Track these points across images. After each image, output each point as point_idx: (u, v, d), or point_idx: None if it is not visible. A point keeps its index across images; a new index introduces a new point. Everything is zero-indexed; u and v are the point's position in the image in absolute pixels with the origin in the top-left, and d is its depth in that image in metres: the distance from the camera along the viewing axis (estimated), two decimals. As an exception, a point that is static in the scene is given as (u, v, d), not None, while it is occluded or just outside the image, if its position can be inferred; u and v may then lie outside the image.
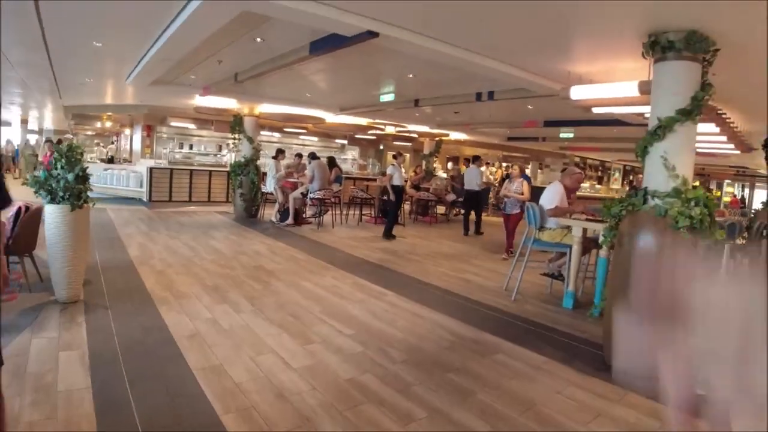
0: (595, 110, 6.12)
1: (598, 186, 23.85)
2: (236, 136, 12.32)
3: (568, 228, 6.09)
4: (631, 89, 5.15)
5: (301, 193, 11.32)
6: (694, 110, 3.97)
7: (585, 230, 5.87)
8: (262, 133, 17.34)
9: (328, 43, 5.26)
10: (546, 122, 11.27)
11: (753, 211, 9.60)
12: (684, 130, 4.02)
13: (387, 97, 9.03)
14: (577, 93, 5.68)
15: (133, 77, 8.83)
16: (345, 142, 19.23)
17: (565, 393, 3.65)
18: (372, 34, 4.48)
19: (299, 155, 12.66)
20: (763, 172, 19.59)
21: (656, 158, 4.07)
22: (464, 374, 3.84)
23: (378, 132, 15.06)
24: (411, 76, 7.31)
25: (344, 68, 7.61)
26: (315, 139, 19.42)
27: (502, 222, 9.39)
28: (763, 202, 9.67)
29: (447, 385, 3.65)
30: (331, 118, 13.05)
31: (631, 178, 26.74)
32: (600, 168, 24.29)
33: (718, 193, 30.37)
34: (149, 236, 8.72)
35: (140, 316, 4.61)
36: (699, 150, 10.86)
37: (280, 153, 12.12)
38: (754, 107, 6.90)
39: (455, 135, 16.13)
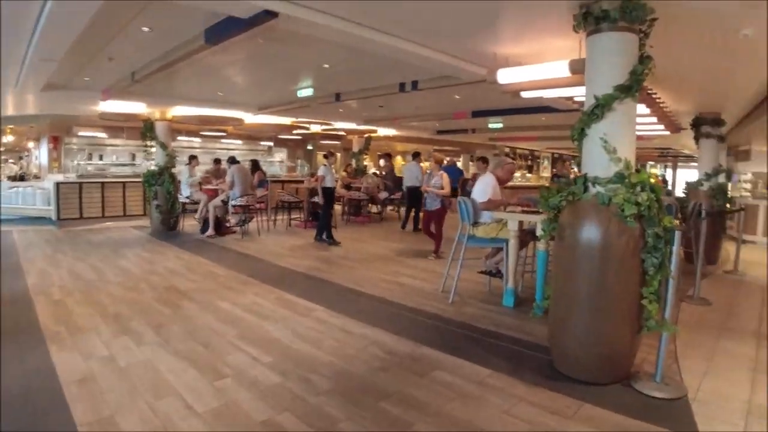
0: (525, 95, 5.74)
1: (528, 175, 24.12)
2: (148, 143, 11.29)
3: (504, 222, 5.72)
4: (561, 69, 4.79)
5: (222, 201, 10.51)
6: (634, 86, 3.60)
7: (521, 223, 5.50)
8: (180, 138, 16.32)
9: (224, 29, 4.58)
10: (474, 113, 10.97)
11: (684, 191, 9.66)
12: (623, 109, 3.64)
13: (305, 92, 8.39)
14: (505, 76, 5.28)
15: (21, 82, 7.79)
16: (271, 144, 18.35)
17: (514, 412, 3.21)
18: (270, 14, 3.87)
19: (217, 160, 11.82)
20: (686, 152, 20.33)
21: (595, 141, 3.68)
22: (399, 401, 3.32)
23: (303, 131, 14.37)
24: (326, 66, 6.69)
25: (256, 60, 6.93)
26: (239, 142, 18.47)
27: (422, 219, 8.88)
28: (688, 182, 9.76)
29: (380, 417, 3.13)
30: (251, 118, 12.26)
31: (558, 164, 27.32)
32: (530, 157, 24.57)
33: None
34: (53, 260, 7.75)
35: (26, 359, 3.91)
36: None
37: (192, 159, 11.25)
38: (685, 86, 6.76)
39: (384, 131, 15.67)
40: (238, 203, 10.21)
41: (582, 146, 3.84)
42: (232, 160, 10.60)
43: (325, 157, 10.04)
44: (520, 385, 3.59)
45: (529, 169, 24.63)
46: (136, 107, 10.52)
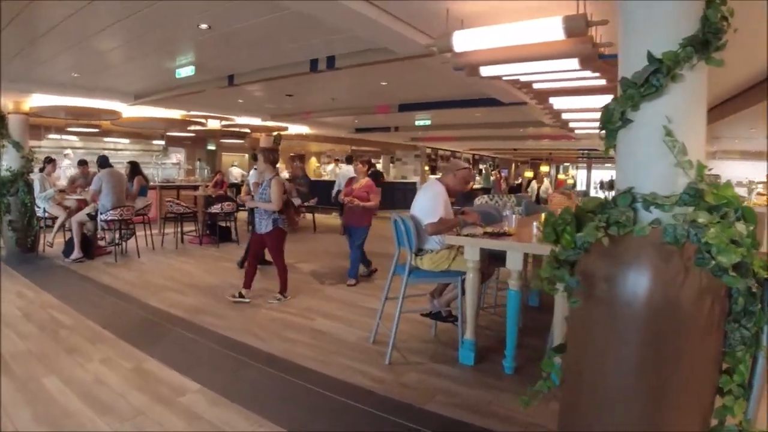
0: (485, 71, 4.13)
1: (450, 177, 22.95)
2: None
3: (457, 248, 4.13)
4: (551, 29, 3.24)
5: (88, 215, 8.25)
6: (711, 40, 2.07)
7: (483, 250, 3.92)
8: (51, 137, 13.59)
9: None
10: (401, 106, 9.36)
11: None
12: (694, 80, 2.11)
13: (185, 71, 6.35)
14: (464, 42, 3.65)
15: None
16: (162, 143, 15.77)
17: None
18: None
19: (83, 162, 9.49)
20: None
21: (646, 132, 2.12)
22: None
23: (199, 128, 12.17)
24: (204, 27, 4.77)
25: (122, 29, 4.94)
26: (126, 141, 15.85)
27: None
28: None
29: None
30: (129, 110, 9.99)
31: (481, 168, 26.44)
32: (451, 158, 23.43)
33: (565, 176, 31.60)
34: None
35: None
36: (578, 129, 9.81)
37: (48, 163, 8.88)
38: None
39: (296, 128, 13.75)
40: (109, 217, 8.01)
41: (618, 142, 2.27)
42: (102, 162, 8.36)
43: (255, 158, 7.98)
44: None
45: (451, 170, 23.50)
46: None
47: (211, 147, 20.26)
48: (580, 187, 33.23)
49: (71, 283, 6.60)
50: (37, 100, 8.84)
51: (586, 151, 20.58)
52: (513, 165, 31.45)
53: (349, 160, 13.44)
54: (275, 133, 13.49)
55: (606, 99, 2.22)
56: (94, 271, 7.29)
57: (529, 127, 11.66)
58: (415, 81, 7.31)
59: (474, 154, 25.41)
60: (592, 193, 32.28)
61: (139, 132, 14.61)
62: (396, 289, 4.24)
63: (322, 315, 5.31)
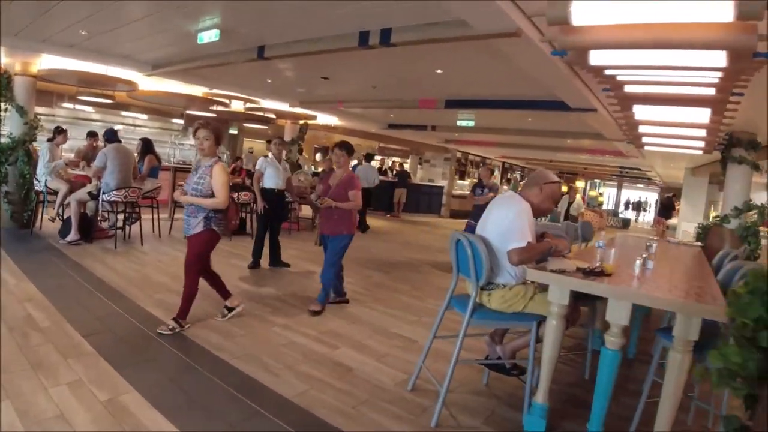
0: (598, 59, 3.12)
1: (478, 183, 21.85)
2: (2, 105, 7.96)
3: (536, 286, 3.16)
4: (715, 8, 2.27)
5: (89, 193, 7.40)
6: None
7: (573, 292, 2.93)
8: (65, 105, 12.83)
9: None
10: (449, 102, 8.37)
11: (699, 229, 7.82)
12: None
13: (209, 36, 5.38)
14: (587, 12, 2.66)
15: None
16: (182, 122, 14.92)
17: None
18: None
19: (92, 134, 8.64)
20: (653, 176, 18.70)
21: None
22: None
23: (222, 109, 11.27)
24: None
25: None
26: (145, 117, 15.07)
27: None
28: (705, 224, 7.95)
29: None
30: (147, 82, 9.13)
31: (515, 178, 25.33)
32: (481, 165, 22.34)
33: (595, 193, 30.40)
34: None
35: None
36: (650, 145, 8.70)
37: (59, 133, 8.04)
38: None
39: (324, 118, 12.83)
40: (112, 198, 7.16)
41: None
42: (110, 137, 7.51)
43: (269, 142, 7.10)
44: None
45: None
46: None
47: (233, 131, 19.41)
48: (606, 206, 32.04)
49: (60, 273, 5.72)
50: (46, 62, 8.03)
51: (626, 169, 19.38)
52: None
53: (369, 158, 12.84)
54: (302, 122, 12.56)
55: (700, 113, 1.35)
56: (89, 259, 6.43)
57: (581, 138, 10.64)
58: (475, 71, 6.34)
59: (504, 162, 24.31)
60: (621, 212, 31.10)
61: (158, 108, 13.77)
62: (448, 328, 3.29)
63: (348, 343, 4.37)
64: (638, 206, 32.46)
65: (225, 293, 4.63)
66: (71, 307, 4.51)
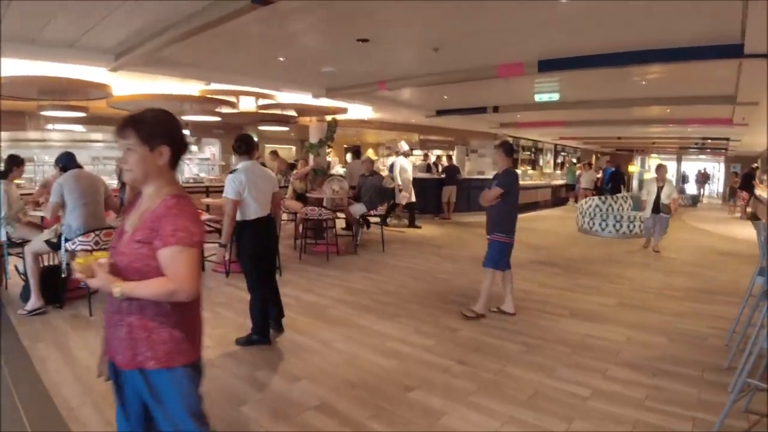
0: None
1: (531, 171, 19.18)
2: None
3: None
4: None
5: (47, 241, 5.11)
6: None
7: None
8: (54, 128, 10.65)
9: None
10: (543, 63, 5.77)
11: None
12: None
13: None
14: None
15: None
16: (186, 132, 12.52)
17: None
18: None
19: (63, 159, 6.35)
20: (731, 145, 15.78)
21: None
22: None
23: (229, 110, 8.86)
24: None
25: None
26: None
27: None
28: None
29: None
30: (121, 83, 6.80)
31: (570, 161, 22.48)
32: (533, 149, 19.60)
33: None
34: None
35: None
36: None
37: (15, 164, 5.77)
38: None
39: (355, 110, 10.34)
40: (78, 246, 4.84)
41: None
42: (65, 162, 5.20)
43: (237, 150, 4.58)
44: None
45: (532, 164, 19.63)
46: None
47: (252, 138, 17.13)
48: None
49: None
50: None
51: (708, 140, 16.38)
52: (594, 157, 27.20)
53: (356, 154, 11.61)
54: (330, 118, 10.10)
55: None
56: (48, 339, 4.28)
57: (700, 103, 7.96)
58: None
59: (556, 144, 21.49)
60: (688, 188, 27.91)
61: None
62: None
63: None
64: (705, 178, 28.97)
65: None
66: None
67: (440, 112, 10.75)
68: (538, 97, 8.07)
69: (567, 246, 9.98)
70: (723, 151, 21.51)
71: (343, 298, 5.72)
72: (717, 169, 29.87)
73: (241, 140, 4.45)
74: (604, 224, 11.62)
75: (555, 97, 7.94)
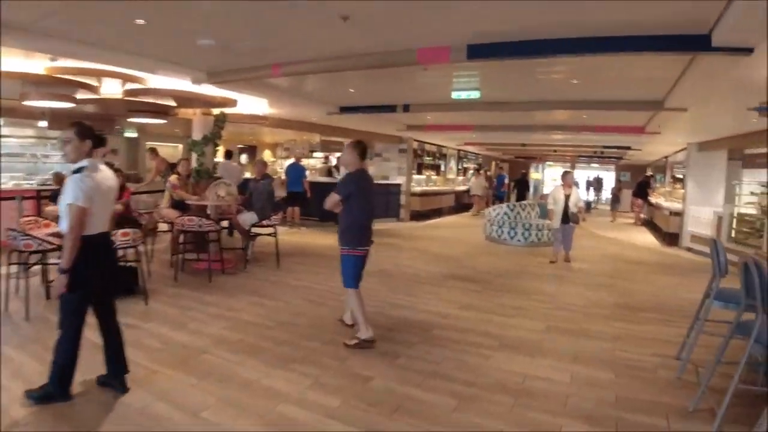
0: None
1: (435, 176, 18.67)
2: None
3: None
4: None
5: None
6: None
7: None
8: None
9: None
10: (473, 48, 4.80)
11: None
12: None
13: None
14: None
15: None
16: (45, 123, 10.33)
17: None
18: None
19: None
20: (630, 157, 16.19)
21: None
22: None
23: (90, 96, 7.18)
24: None
25: None
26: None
27: None
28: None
29: None
30: None
31: (472, 167, 22.28)
32: (437, 154, 19.02)
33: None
34: None
35: None
36: None
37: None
38: None
39: (248, 103, 9.01)
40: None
41: None
42: None
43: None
44: None
45: (436, 169, 19.07)
46: None
47: (131, 134, 15.06)
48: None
49: None
50: None
51: (608, 149, 16.65)
52: (492, 164, 27.47)
53: (228, 155, 11.74)
54: (217, 111, 8.72)
55: None
56: None
57: (622, 108, 7.54)
58: None
59: (459, 150, 21.19)
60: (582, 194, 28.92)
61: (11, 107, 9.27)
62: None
63: None
64: (599, 184, 30.58)
65: None
66: None
67: (344, 109, 9.65)
68: (456, 95, 7.22)
69: (477, 255, 9.40)
70: (616, 159, 22.34)
71: (224, 335, 4.48)
72: (606, 177, 31.46)
73: (84, 126, 3.22)
74: (512, 232, 11.25)
75: (475, 95, 7.13)
